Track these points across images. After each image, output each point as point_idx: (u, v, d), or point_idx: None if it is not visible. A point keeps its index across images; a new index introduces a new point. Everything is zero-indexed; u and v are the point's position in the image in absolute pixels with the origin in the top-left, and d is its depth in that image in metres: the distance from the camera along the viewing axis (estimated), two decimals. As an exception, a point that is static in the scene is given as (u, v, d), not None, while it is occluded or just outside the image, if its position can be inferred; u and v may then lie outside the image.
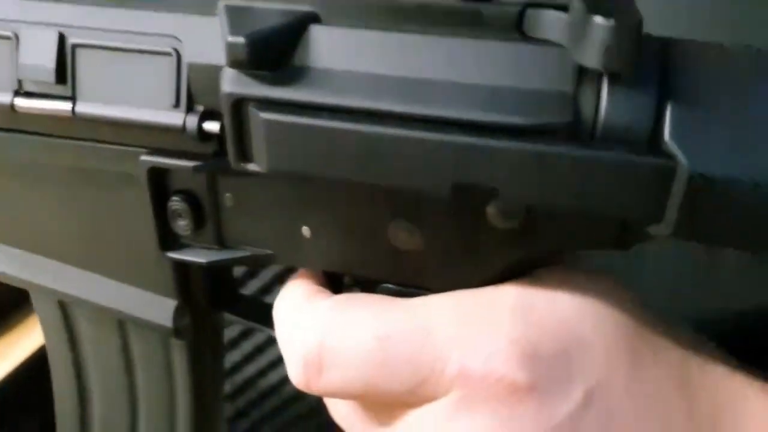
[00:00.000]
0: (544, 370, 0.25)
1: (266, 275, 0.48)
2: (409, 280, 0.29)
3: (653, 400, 0.26)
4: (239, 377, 0.53)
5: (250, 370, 0.51)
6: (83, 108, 0.27)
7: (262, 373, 0.51)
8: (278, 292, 0.34)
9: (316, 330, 0.27)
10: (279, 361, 0.51)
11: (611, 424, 0.25)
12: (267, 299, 0.47)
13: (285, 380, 0.50)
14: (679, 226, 0.22)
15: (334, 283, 0.31)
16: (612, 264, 0.29)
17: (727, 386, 0.26)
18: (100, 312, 0.34)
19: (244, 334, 0.49)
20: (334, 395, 0.27)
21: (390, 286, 0.29)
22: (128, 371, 0.38)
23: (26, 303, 0.42)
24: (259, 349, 0.51)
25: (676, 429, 0.25)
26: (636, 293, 0.28)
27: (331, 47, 0.24)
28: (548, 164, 0.22)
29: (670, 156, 0.22)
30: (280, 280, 0.48)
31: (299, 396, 0.48)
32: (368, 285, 0.30)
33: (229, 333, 0.50)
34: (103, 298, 0.34)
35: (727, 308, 0.36)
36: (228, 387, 0.53)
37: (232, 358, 0.53)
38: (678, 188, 0.21)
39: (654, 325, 0.27)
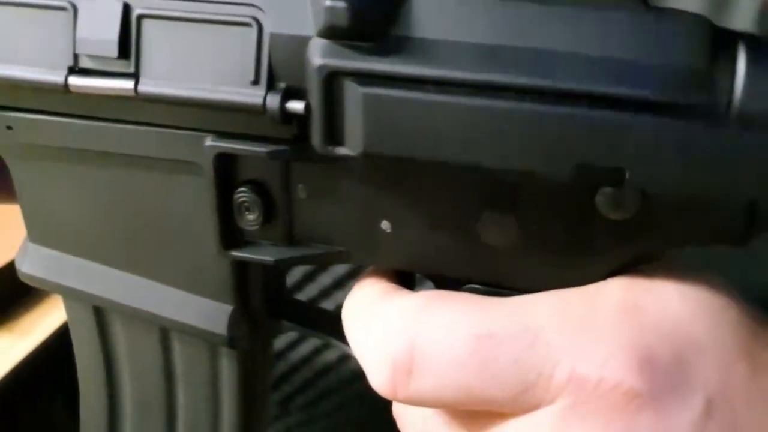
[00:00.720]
0: (663, 377, 0.22)
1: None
2: (499, 281, 0.26)
3: None
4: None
5: (280, 343, 0.48)
6: (148, 86, 0.24)
7: (292, 346, 0.49)
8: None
9: (406, 328, 0.24)
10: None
11: (734, 430, 0.23)
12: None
13: (316, 351, 0.48)
14: None
15: (406, 285, 0.29)
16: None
17: None
18: (142, 319, 0.31)
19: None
20: (423, 403, 0.25)
21: (476, 286, 0.27)
22: (168, 385, 0.35)
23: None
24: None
25: None
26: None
27: (436, 15, 0.21)
28: (685, 144, 0.20)
29: None
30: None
31: (331, 367, 0.45)
32: (450, 287, 0.27)
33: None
34: (148, 303, 0.30)
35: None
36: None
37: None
38: None
39: (766, 325, 0.25)
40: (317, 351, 0.48)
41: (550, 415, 0.23)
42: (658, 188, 0.21)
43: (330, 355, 0.48)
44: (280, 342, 0.49)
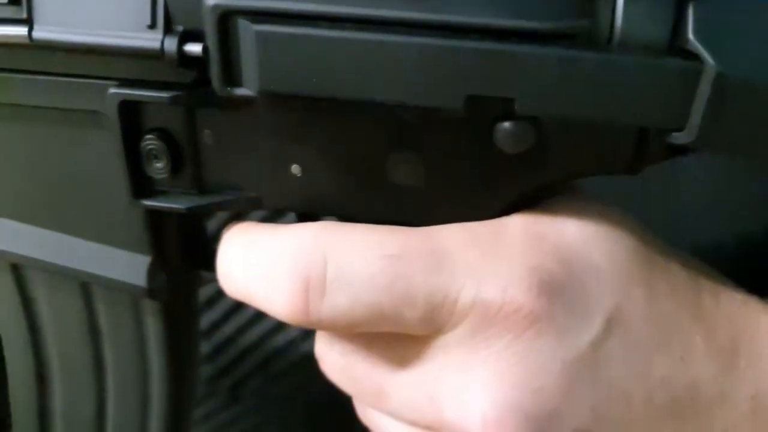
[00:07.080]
0: (564, 299, 0.24)
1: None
2: (408, 220, 0.27)
3: (671, 328, 0.25)
4: (219, 335, 0.51)
5: (230, 327, 0.47)
6: (42, 32, 0.24)
7: (241, 330, 0.48)
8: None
9: (318, 245, 0.24)
10: (258, 317, 0.48)
11: (634, 351, 0.24)
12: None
13: (266, 335, 0.48)
14: (703, 132, 0.21)
15: None
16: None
17: (743, 313, 0.26)
18: (62, 275, 0.31)
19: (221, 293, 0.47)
20: (334, 324, 0.24)
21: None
22: (94, 343, 0.34)
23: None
24: (239, 306, 0.48)
25: (696, 355, 0.25)
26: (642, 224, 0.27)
27: None
28: (567, 70, 0.21)
29: (694, 56, 0.20)
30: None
31: (282, 351, 0.46)
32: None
33: (206, 291, 0.47)
34: (65, 258, 0.30)
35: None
36: (207, 347, 0.51)
37: (210, 317, 0.50)
38: (703, 90, 0.20)
39: (666, 254, 0.26)
40: (268, 335, 0.48)
41: (458, 338, 0.24)
42: (548, 116, 0.22)
43: (281, 339, 0.48)
44: (230, 327, 0.49)
